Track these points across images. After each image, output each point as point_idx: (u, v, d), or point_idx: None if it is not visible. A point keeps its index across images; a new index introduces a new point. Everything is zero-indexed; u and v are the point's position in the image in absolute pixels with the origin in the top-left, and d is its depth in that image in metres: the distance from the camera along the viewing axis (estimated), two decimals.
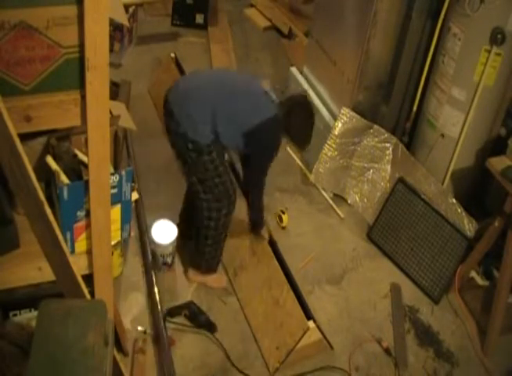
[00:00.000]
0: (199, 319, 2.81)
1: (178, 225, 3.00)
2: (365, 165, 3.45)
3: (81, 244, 1.83)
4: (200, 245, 2.83)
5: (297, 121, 2.69)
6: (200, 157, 2.53)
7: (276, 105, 2.61)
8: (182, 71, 4.01)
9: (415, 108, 3.31)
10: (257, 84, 2.67)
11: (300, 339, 2.58)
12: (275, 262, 2.86)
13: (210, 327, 2.80)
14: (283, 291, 2.76)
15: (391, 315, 3.02)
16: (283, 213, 3.36)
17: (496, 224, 2.79)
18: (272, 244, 2.98)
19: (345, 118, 3.29)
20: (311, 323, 2.60)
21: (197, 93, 2.56)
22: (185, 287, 2.98)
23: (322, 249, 3.30)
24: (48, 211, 1.55)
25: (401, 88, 3.39)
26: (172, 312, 2.80)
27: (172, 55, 4.13)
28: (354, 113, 3.28)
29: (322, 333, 2.70)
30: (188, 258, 3.04)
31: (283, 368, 2.66)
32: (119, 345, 2.54)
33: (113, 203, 1.80)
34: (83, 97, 1.54)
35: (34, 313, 2.21)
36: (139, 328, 2.75)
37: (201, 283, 2.99)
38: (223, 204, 2.67)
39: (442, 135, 3.17)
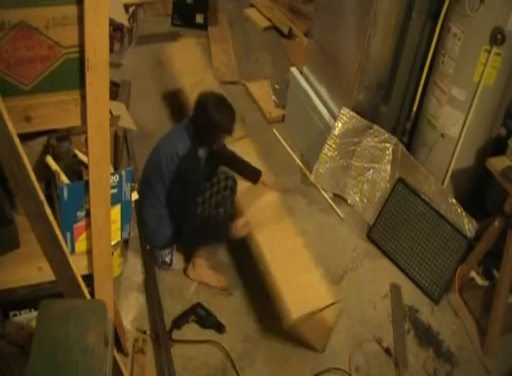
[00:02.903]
0: (207, 322, 2.81)
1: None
2: (365, 165, 3.45)
3: (81, 244, 1.83)
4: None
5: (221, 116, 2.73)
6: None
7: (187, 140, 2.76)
8: None
9: (415, 108, 3.31)
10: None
11: (327, 306, 2.55)
12: (300, 239, 2.87)
13: (218, 327, 2.80)
14: (310, 263, 2.75)
15: (391, 315, 3.02)
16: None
17: (496, 224, 2.79)
18: None
19: (345, 118, 3.29)
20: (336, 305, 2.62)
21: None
22: (185, 286, 2.99)
23: (322, 249, 3.30)
24: (48, 211, 1.55)
25: (401, 88, 3.39)
26: (179, 323, 2.78)
27: None
28: (354, 114, 3.28)
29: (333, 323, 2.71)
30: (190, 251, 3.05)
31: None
32: (119, 345, 2.54)
33: (113, 203, 1.80)
34: (83, 97, 1.53)
35: (34, 313, 2.21)
36: (139, 328, 2.75)
37: (201, 282, 3.00)
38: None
39: (442, 135, 3.17)
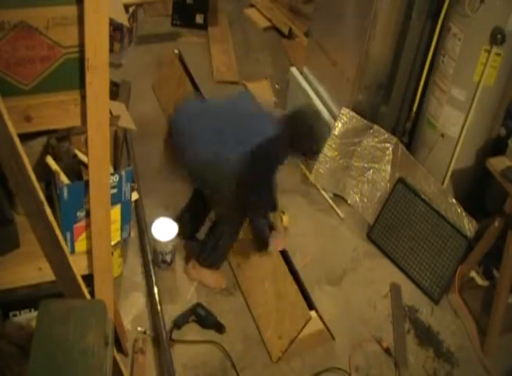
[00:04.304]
0: (207, 322, 2.81)
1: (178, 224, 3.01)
2: (365, 165, 3.45)
3: (81, 244, 1.83)
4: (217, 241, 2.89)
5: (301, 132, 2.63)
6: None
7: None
8: (185, 67, 4.03)
9: (415, 108, 3.31)
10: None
11: (302, 328, 2.60)
12: (279, 253, 2.87)
13: (218, 327, 2.80)
14: (285, 281, 2.77)
15: (391, 315, 3.02)
16: (283, 213, 3.36)
17: (496, 224, 2.79)
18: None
19: (345, 118, 3.29)
20: (313, 313, 2.63)
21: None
22: (185, 286, 2.99)
23: (322, 249, 3.30)
24: (48, 211, 1.55)
25: (401, 88, 3.39)
26: (179, 323, 2.78)
27: (176, 51, 4.15)
28: (354, 114, 3.28)
29: (324, 323, 2.71)
30: (191, 253, 3.05)
31: (285, 359, 2.69)
32: (119, 345, 2.54)
33: (113, 203, 1.80)
34: (83, 97, 1.54)
35: (34, 313, 2.21)
36: (139, 328, 2.75)
37: (199, 282, 3.00)
38: None
39: (442, 135, 3.17)
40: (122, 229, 1.94)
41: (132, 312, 2.82)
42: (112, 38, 4.31)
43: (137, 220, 3.06)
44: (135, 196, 1.98)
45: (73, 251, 1.82)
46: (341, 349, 2.82)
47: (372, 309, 3.04)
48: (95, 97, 1.52)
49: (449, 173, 3.21)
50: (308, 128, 2.62)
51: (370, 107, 3.38)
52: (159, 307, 2.77)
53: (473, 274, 3.15)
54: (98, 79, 1.49)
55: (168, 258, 2.99)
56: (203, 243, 2.98)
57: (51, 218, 1.56)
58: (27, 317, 2.24)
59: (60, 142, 1.85)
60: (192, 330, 2.79)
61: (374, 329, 2.94)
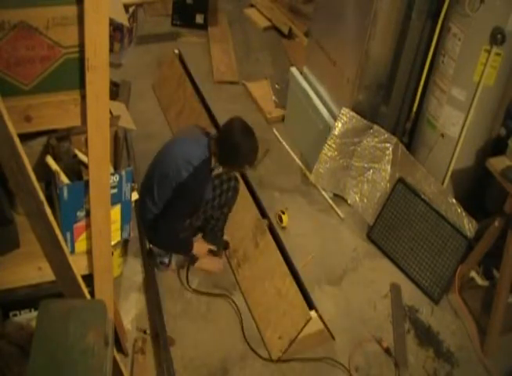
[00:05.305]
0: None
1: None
2: (365, 165, 3.45)
3: (81, 244, 1.83)
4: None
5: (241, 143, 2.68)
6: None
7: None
8: (185, 67, 4.04)
9: (415, 108, 3.31)
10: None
11: (302, 329, 2.61)
12: (278, 253, 2.89)
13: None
14: (285, 281, 2.78)
15: (391, 315, 3.02)
16: (283, 213, 3.36)
17: (496, 224, 2.79)
18: (275, 236, 3.00)
19: (345, 118, 3.29)
20: (313, 313, 2.64)
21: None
22: (185, 286, 2.98)
23: (322, 249, 3.30)
24: (48, 211, 1.55)
25: (401, 88, 3.39)
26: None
27: (176, 51, 4.16)
28: (354, 114, 3.28)
29: (324, 323, 2.72)
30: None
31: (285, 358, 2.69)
32: (119, 345, 2.54)
33: (113, 203, 1.80)
34: (83, 97, 1.54)
35: (34, 313, 2.21)
36: (139, 328, 2.75)
37: (198, 268, 3.02)
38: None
39: (442, 135, 3.17)
40: (122, 229, 1.94)
41: (132, 312, 2.82)
42: (112, 38, 4.31)
43: (137, 220, 3.06)
44: (135, 196, 1.98)
45: (73, 251, 1.82)
46: (341, 349, 2.82)
47: (372, 309, 3.04)
48: (95, 97, 1.52)
49: (449, 173, 3.21)
50: (236, 146, 2.65)
51: (370, 107, 3.38)
52: (159, 307, 2.77)
53: (473, 274, 3.15)
54: (98, 79, 1.49)
55: (166, 259, 2.99)
56: (199, 229, 3.01)
57: (51, 218, 1.56)
58: (27, 317, 2.24)
59: (60, 142, 1.85)
60: (193, 327, 2.79)
61: (374, 329, 2.94)
